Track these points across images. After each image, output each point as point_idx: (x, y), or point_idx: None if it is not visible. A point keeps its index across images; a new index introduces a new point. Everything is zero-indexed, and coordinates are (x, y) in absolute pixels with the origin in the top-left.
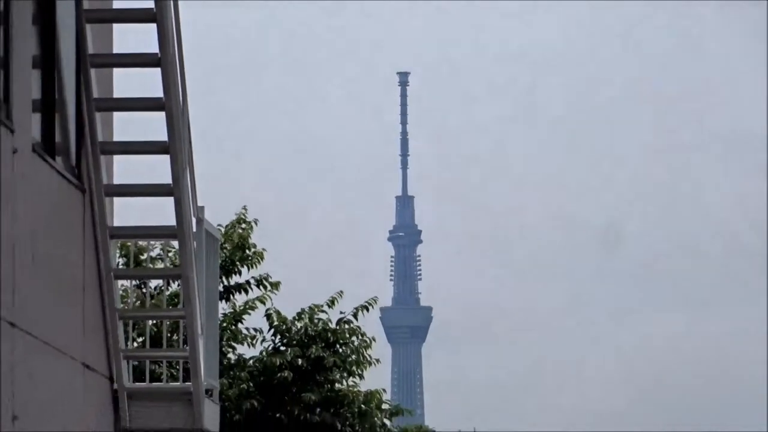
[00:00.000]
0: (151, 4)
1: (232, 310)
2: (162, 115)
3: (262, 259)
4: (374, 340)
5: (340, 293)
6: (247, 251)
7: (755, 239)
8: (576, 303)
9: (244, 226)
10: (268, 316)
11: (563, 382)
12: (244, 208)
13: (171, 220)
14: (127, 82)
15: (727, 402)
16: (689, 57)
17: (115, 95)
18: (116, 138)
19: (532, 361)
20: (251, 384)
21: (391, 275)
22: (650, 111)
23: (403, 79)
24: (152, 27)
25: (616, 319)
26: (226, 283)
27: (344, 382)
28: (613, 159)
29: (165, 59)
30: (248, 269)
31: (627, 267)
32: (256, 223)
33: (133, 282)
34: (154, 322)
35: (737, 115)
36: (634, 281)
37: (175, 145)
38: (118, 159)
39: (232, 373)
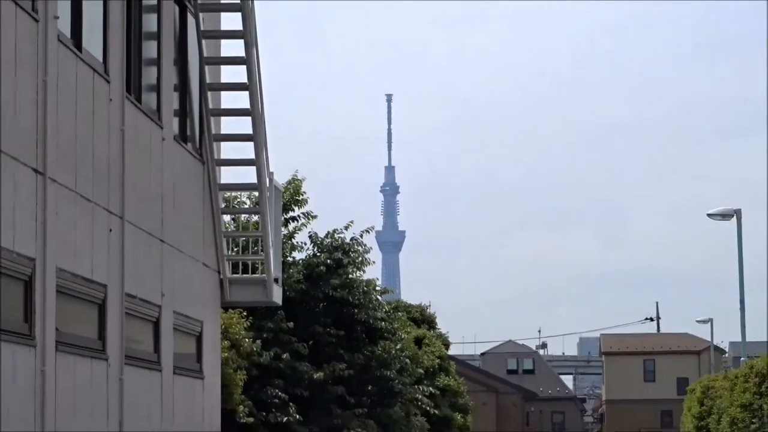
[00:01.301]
0: (243, 53)
1: (287, 231)
2: (248, 118)
3: (307, 203)
4: (371, 248)
5: (351, 222)
6: (299, 197)
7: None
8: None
9: (297, 182)
10: (312, 236)
11: (489, 274)
12: (296, 174)
13: (253, 179)
14: (228, 97)
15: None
16: None
17: (222, 106)
18: (223, 131)
19: (471, 263)
20: (300, 275)
21: (381, 212)
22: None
23: (389, 99)
24: (243, 68)
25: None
26: (285, 216)
27: (354, 274)
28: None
29: (251, 85)
30: (298, 208)
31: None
32: (303, 181)
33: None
34: (244, 238)
35: None
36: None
37: (256, 136)
38: (223, 143)
39: (289, 269)
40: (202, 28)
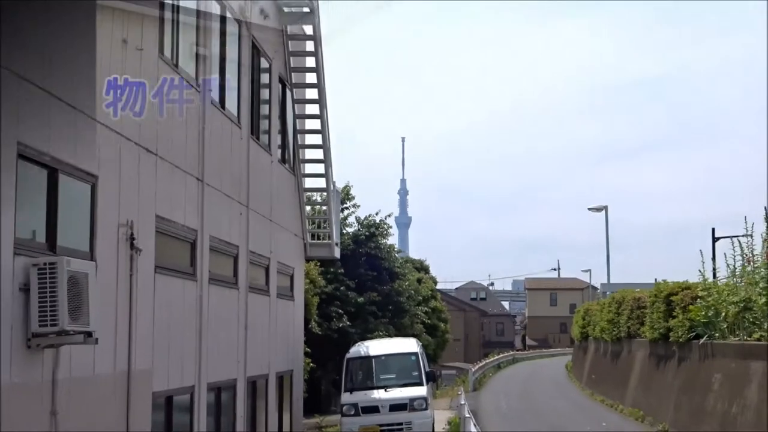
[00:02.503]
0: (318, 112)
1: (343, 216)
2: (320, 150)
3: (354, 198)
4: (391, 226)
5: (379, 211)
6: (349, 194)
7: None
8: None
9: (348, 187)
10: (357, 218)
11: (461, 242)
12: (348, 183)
13: (323, 185)
14: (310, 137)
15: None
16: None
17: (306, 143)
18: (306, 157)
19: (451, 236)
20: (351, 242)
21: (398, 205)
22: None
23: (403, 139)
24: (318, 120)
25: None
26: (342, 206)
27: (382, 241)
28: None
29: (323, 131)
30: (349, 202)
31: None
32: (351, 186)
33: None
34: (318, 219)
35: None
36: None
37: (325, 161)
38: (306, 164)
39: (344, 237)
40: (294, 97)
